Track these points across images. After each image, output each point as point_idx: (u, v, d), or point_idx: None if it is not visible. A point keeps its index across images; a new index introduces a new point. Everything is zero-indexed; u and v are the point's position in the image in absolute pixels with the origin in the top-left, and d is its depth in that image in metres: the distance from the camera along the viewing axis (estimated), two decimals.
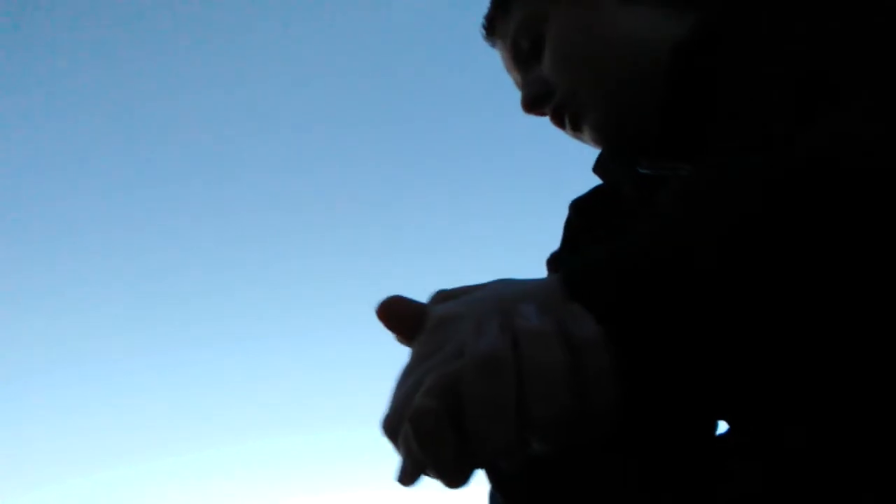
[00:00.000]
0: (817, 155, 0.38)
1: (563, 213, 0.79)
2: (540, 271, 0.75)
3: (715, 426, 0.68)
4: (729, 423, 0.66)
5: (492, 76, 0.87)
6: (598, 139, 0.73)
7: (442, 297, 0.45)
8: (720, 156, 0.53)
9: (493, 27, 0.82)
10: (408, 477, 0.39)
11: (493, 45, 0.83)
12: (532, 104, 0.76)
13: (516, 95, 0.80)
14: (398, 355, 0.42)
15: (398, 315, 0.43)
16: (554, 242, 0.78)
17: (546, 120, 0.78)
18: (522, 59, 0.77)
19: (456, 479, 0.39)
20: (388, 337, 0.43)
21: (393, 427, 0.40)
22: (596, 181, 0.79)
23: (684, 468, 0.66)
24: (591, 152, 0.77)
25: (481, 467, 0.40)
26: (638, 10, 0.70)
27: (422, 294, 0.44)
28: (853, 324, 0.38)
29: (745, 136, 0.52)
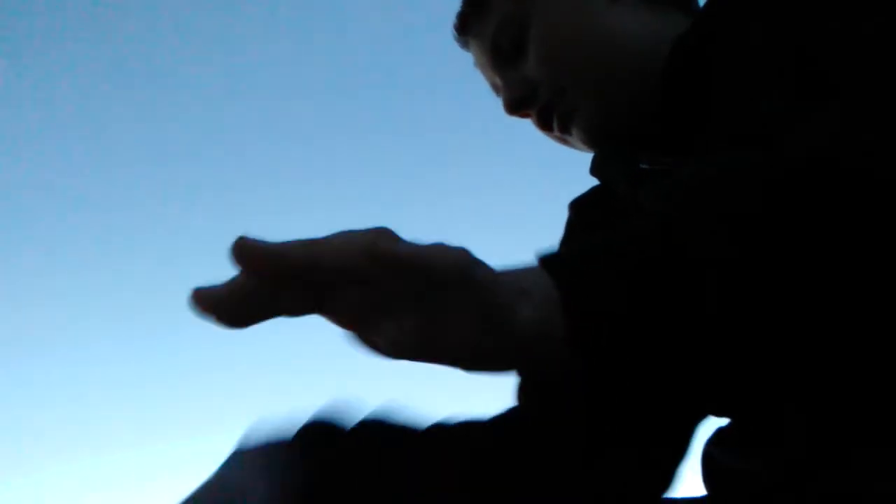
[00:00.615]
0: (817, 154, 0.38)
1: (563, 214, 0.79)
2: None
3: (700, 419, 0.69)
4: (729, 418, 0.66)
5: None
6: (588, 140, 0.71)
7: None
8: (718, 153, 0.53)
9: (467, 26, 0.77)
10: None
11: (465, 45, 0.79)
12: (517, 106, 0.73)
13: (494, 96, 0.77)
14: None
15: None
16: (554, 242, 0.78)
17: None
18: (502, 60, 0.74)
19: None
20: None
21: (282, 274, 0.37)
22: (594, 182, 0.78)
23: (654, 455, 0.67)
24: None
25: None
26: (625, 8, 0.70)
27: None
28: (851, 321, 0.38)
29: (744, 133, 0.52)
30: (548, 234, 0.80)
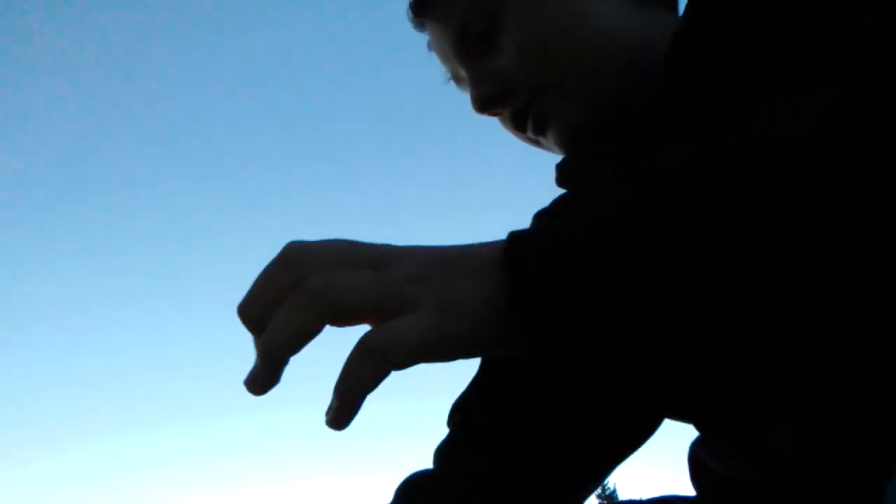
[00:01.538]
0: (753, 152, 0.36)
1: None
2: None
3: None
4: (715, 426, 0.66)
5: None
6: (565, 143, 0.64)
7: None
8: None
9: (428, 6, 0.67)
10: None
11: (421, 26, 0.70)
12: (489, 104, 0.64)
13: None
14: None
15: None
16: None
17: None
18: (470, 49, 0.65)
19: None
20: None
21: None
22: None
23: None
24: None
25: None
26: (611, 1, 0.63)
27: None
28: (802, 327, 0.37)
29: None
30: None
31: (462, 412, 0.73)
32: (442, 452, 0.73)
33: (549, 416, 0.69)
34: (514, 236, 0.38)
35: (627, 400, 0.69)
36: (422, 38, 0.70)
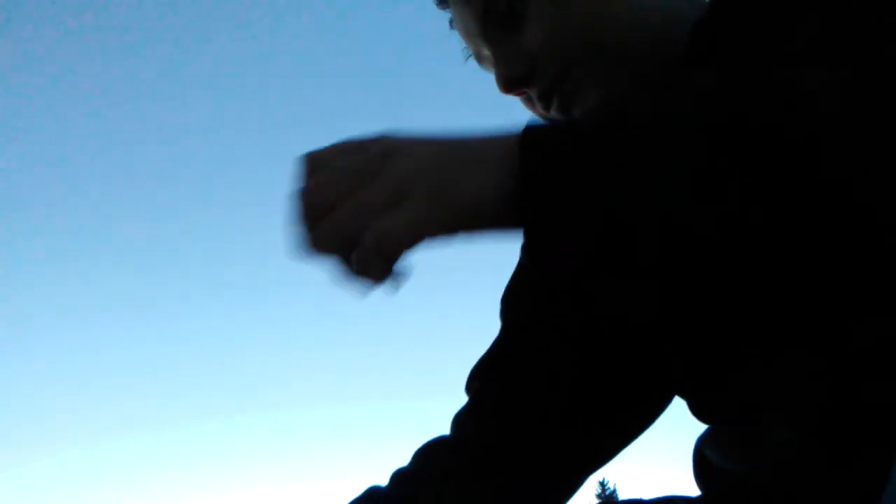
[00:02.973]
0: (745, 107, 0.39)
1: None
2: None
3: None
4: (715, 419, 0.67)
5: None
6: None
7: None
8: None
9: None
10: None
11: (444, 3, 0.69)
12: (515, 84, 0.64)
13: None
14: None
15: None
16: None
17: None
18: (494, 27, 0.64)
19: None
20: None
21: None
22: None
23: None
24: None
25: None
26: None
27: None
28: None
29: None
30: None
31: (480, 380, 0.74)
32: (459, 420, 0.74)
33: (564, 389, 0.70)
34: (529, 132, 0.43)
35: (638, 379, 0.70)
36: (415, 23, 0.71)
